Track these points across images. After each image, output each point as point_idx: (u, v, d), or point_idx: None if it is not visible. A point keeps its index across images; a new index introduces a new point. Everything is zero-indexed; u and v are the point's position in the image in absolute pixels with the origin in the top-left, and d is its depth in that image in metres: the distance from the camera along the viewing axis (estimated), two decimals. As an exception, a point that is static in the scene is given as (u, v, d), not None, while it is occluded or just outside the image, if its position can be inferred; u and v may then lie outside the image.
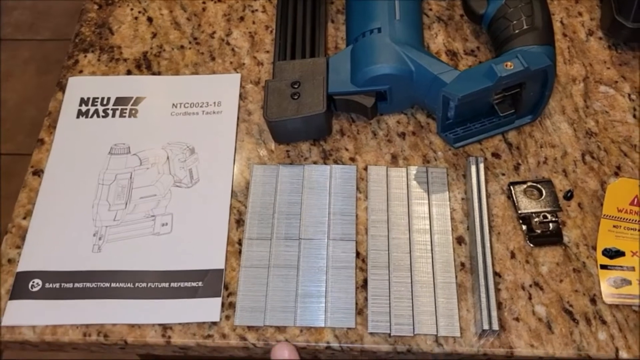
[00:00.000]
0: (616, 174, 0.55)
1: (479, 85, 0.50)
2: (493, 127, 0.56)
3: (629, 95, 0.59)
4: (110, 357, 1.31)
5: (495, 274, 0.51)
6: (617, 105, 0.59)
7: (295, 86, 0.56)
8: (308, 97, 0.55)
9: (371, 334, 0.49)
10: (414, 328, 0.49)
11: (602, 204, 0.53)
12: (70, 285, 0.51)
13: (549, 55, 0.53)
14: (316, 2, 0.63)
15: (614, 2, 0.60)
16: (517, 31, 0.55)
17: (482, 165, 0.54)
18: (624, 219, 0.52)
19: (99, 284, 0.51)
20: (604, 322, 0.48)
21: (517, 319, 0.49)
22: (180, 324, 0.50)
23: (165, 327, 0.50)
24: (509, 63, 0.50)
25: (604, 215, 0.52)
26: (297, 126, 0.55)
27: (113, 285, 0.51)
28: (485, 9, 0.58)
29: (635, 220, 0.51)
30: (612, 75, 0.60)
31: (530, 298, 0.50)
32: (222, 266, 0.52)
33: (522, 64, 0.50)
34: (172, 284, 0.51)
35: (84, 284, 0.51)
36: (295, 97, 0.55)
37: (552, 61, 0.53)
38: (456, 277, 0.51)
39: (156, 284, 0.51)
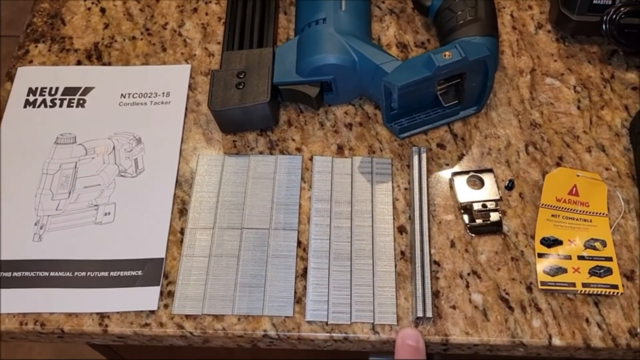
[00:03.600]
0: (558, 165, 0.55)
1: (419, 74, 0.50)
2: (438, 117, 0.56)
3: (574, 87, 0.60)
4: (81, 356, 1.30)
5: (435, 262, 0.51)
6: (562, 97, 0.59)
7: (241, 76, 0.56)
8: (253, 87, 0.55)
9: (308, 322, 0.49)
10: (351, 316, 0.49)
11: (542, 194, 0.53)
12: (8, 274, 0.51)
13: (489, 46, 0.53)
14: (267, -6, 0.63)
15: (560, -5, 0.60)
16: (460, 22, 0.55)
17: (424, 155, 0.55)
18: (562, 208, 0.52)
19: (38, 273, 0.51)
20: (538, 310, 0.49)
21: (453, 307, 0.49)
22: (117, 312, 0.49)
23: (102, 316, 0.49)
24: (447, 53, 0.50)
25: (543, 204, 0.52)
26: (241, 116, 0.55)
27: (52, 274, 0.51)
28: (432, 0, 0.58)
29: (573, 210, 0.52)
30: (558, 67, 0.61)
31: (467, 286, 0.50)
32: (162, 255, 0.52)
33: (460, 54, 0.50)
34: (112, 273, 0.51)
35: (23, 272, 0.51)
36: (240, 86, 0.55)
37: (493, 52, 0.53)
38: (396, 266, 0.51)
39: (96, 273, 0.51)
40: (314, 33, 0.56)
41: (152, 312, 0.49)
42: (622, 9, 0.55)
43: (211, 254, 0.52)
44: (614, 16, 0.56)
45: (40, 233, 0.53)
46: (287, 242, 0.52)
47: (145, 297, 0.50)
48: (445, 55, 0.50)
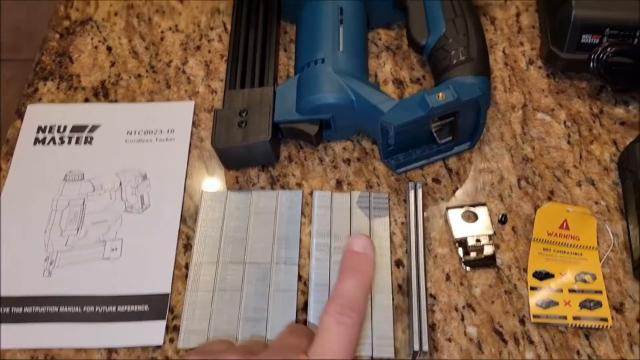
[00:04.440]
0: (549, 198, 0.57)
1: (413, 114, 0.53)
2: (433, 153, 0.59)
3: (565, 122, 0.62)
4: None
5: (431, 296, 0.53)
6: (553, 131, 0.61)
7: (243, 114, 0.58)
8: (254, 125, 0.57)
9: (309, 355, 0.50)
10: (350, 349, 0.50)
11: (534, 228, 0.55)
12: (19, 309, 0.53)
13: (481, 86, 0.55)
14: (267, 33, 0.66)
15: (550, 33, 0.63)
16: (454, 62, 0.57)
17: (420, 190, 0.57)
18: (553, 242, 0.54)
19: (47, 308, 0.53)
20: (531, 342, 0.50)
21: (449, 340, 0.51)
22: (125, 347, 0.51)
23: (110, 351, 0.51)
24: (440, 94, 0.52)
25: (535, 238, 0.54)
26: (243, 153, 0.58)
27: (62, 309, 0.53)
28: (426, 39, 0.61)
29: (564, 243, 0.54)
30: (549, 102, 0.63)
31: (462, 319, 0.52)
32: (168, 290, 0.54)
33: (453, 95, 0.52)
34: (119, 308, 0.53)
35: (33, 308, 0.53)
36: (242, 125, 0.57)
37: (484, 91, 0.55)
38: (393, 299, 0.53)
39: (104, 307, 0.53)
40: (313, 73, 0.58)
41: (158, 346, 0.51)
42: (608, 48, 0.58)
43: (215, 288, 0.54)
44: (601, 55, 0.58)
45: (50, 269, 0.55)
46: (288, 277, 0.54)
47: (152, 332, 0.52)
48: (438, 97, 0.52)
